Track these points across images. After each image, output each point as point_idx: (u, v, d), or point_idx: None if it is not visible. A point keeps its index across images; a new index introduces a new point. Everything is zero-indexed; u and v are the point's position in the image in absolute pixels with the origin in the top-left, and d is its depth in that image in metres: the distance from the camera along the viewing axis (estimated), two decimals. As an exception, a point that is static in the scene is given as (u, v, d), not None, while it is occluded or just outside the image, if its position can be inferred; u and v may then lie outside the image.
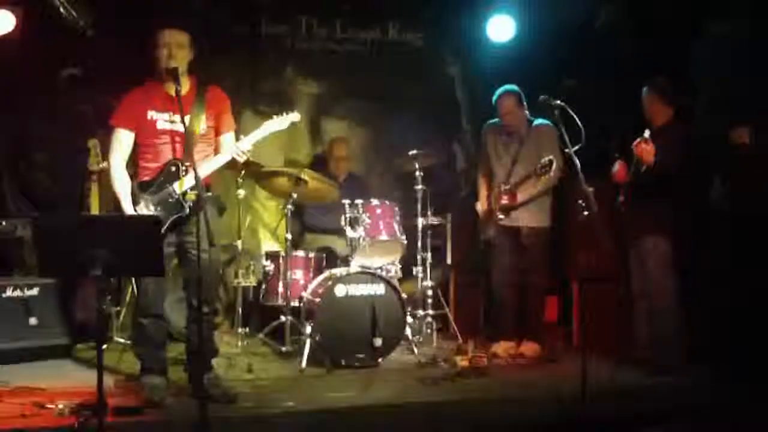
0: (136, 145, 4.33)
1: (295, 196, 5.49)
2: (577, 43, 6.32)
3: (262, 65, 6.78)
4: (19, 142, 6.14)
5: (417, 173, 5.82)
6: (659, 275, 4.99)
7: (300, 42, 6.80)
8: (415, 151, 5.81)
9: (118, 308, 5.68)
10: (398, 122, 6.91)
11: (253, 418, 4.06)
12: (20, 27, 5.63)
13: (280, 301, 5.65)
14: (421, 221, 5.84)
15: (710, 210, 5.33)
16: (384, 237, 5.47)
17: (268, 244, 6.61)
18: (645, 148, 4.86)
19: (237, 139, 4.40)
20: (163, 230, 4.07)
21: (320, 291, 5.21)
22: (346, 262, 5.54)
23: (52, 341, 5.25)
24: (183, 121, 4.07)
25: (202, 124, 4.30)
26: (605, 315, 5.43)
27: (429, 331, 5.90)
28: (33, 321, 5.20)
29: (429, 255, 6.01)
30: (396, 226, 5.55)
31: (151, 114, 4.27)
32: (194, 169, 3.94)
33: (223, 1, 6.44)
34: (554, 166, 5.08)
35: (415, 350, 5.37)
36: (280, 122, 4.47)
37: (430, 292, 5.98)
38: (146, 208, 4.21)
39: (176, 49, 4.21)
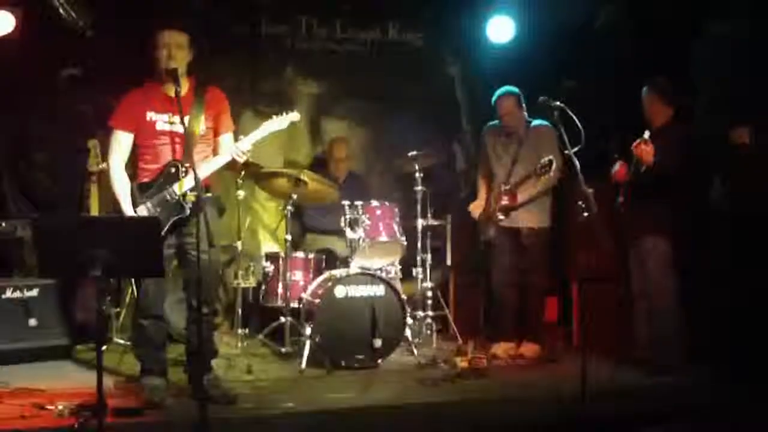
0: (135, 146, 4.32)
1: (294, 197, 5.49)
2: (576, 43, 6.31)
3: (262, 65, 6.77)
4: (19, 142, 6.14)
5: (417, 174, 5.82)
6: (659, 275, 4.99)
7: (300, 42, 6.80)
8: (415, 152, 5.81)
9: (118, 309, 5.68)
10: (398, 122, 6.91)
11: (253, 419, 4.06)
12: (20, 27, 5.63)
13: (280, 302, 5.64)
14: (420, 222, 5.83)
15: (710, 210, 5.33)
16: (384, 238, 5.47)
17: (268, 245, 6.60)
18: (644, 149, 4.86)
19: (236, 139, 4.40)
20: (163, 232, 4.07)
21: (320, 292, 5.21)
22: (345, 263, 5.54)
23: (52, 342, 5.24)
24: (183, 122, 4.07)
25: (201, 125, 4.30)
26: (605, 315, 5.43)
27: (429, 332, 5.90)
28: (33, 322, 5.20)
29: (429, 256, 6.01)
30: (396, 227, 5.55)
31: (150, 115, 4.27)
32: (194, 170, 3.94)
33: (223, 1, 6.44)
34: (554, 166, 5.08)
35: (415, 351, 5.37)
36: (279, 122, 4.46)
37: (429, 293, 5.98)
38: (146, 210, 4.21)
39: (176, 49, 4.21)
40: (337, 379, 4.93)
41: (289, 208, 5.50)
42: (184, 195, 4.20)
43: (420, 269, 5.93)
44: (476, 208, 5.80)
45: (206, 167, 4.27)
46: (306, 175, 5.45)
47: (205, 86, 4.40)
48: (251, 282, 5.98)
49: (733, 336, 4.97)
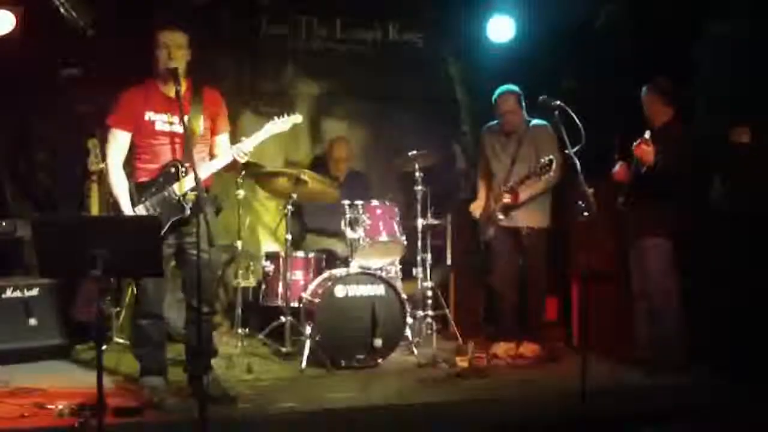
0: (132, 145, 4.31)
1: (294, 196, 5.49)
2: (577, 43, 6.31)
3: (262, 65, 6.77)
4: (20, 141, 6.14)
5: (417, 174, 5.82)
6: (659, 275, 4.99)
7: (300, 42, 6.80)
8: (415, 152, 5.80)
9: (118, 309, 5.68)
10: (398, 122, 6.92)
11: (253, 419, 4.06)
12: (20, 26, 5.63)
13: (280, 302, 5.64)
14: (421, 222, 5.83)
15: (710, 210, 5.33)
16: (384, 238, 5.47)
17: (268, 245, 6.61)
18: (645, 149, 4.86)
19: (235, 139, 4.40)
20: (162, 232, 4.07)
21: (320, 291, 5.21)
22: (346, 263, 5.54)
23: (52, 342, 5.24)
24: (183, 123, 4.06)
25: (200, 125, 4.30)
26: (605, 315, 5.43)
27: (429, 331, 5.89)
28: (33, 321, 5.20)
29: (429, 256, 6.01)
30: (396, 227, 5.55)
31: (150, 115, 4.26)
32: (194, 170, 3.94)
33: (223, 1, 6.44)
34: (554, 165, 5.08)
35: (415, 351, 5.37)
36: (281, 124, 4.46)
37: (429, 293, 5.97)
38: (144, 210, 4.20)
39: (175, 49, 4.21)
40: (338, 378, 4.93)
41: (289, 207, 5.50)
42: (184, 195, 4.19)
43: (420, 269, 5.92)
44: (476, 208, 5.80)
45: (207, 168, 4.27)
46: (306, 175, 5.45)
47: (201, 86, 4.39)
48: (251, 281, 5.99)
49: (733, 336, 4.97)
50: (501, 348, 5.53)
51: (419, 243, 5.86)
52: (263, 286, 5.90)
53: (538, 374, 5.09)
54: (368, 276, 5.27)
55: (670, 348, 4.93)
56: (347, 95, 6.96)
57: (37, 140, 6.15)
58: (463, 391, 4.68)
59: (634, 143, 4.92)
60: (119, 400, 4.16)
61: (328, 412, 4.18)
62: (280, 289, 5.67)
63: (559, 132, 4.48)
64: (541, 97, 4.59)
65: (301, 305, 5.43)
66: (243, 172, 5.53)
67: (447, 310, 6.22)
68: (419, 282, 5.93)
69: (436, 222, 6.01)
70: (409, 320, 5.38)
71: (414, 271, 5.94)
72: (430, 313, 5.95)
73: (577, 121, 4.36)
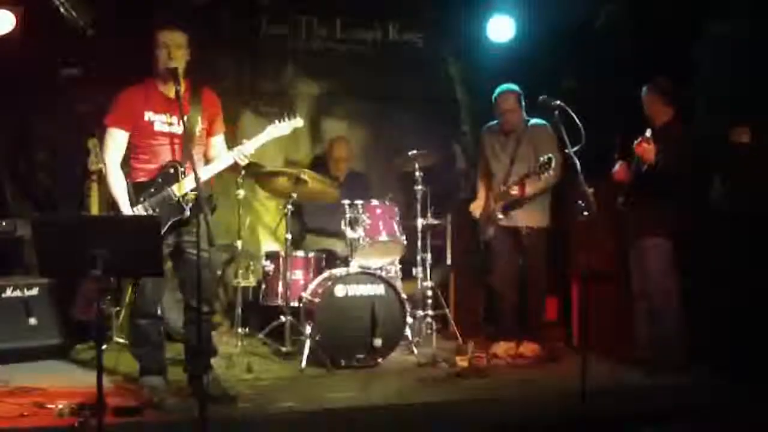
0: (130, 145, 4.30)
1: (294, 196, 5.49)
2: (577, 43, 6.31)
3: (262, 65, 6.78)
4: (20, 141, 6.14)
5: (417, 173, 5.82)
6: (659, 275, 4.99)
7: (300, 42, 6.80)
8: (415, 151, 5.80)
9: (118, 308, 5.67)
10: (398, 122, 6.92)
11: (253, 418, 4.06)
12: (20, 26, 5.63)
13: (280, 302, 5.65)
14: (420, 222, 5.83)
15: (710, 210, 5.33)
16: (384, 237, 5.47)
17: (268, 244, 6.61)
18: (646, 148, 4.86)
19: (237, 140, 4.40)
20: (162, 232, 4.06)
21: (320, 291, 5.21)
22: (346, 262, 5.54)
23: (52, 341, 5.24)
24: (183, 123, 4.06)
25: (198, 126, 4.30)
26: (605, 315, 5.43)
27: (429, 331, 5.89)
28: (33, 321, 5.20)
29: (429, 255, 6.01)
30: (396, 227, 5.56)
31: (149, 115, 4.25)
32: (194, 171, 3.94)
33: (223, 1, 6.44)
34: (553, 163, 5.07)
35: (415, 351, 5.37)
36: (283, 127, 4.50)
37: (429, 293, 5.97)
38: (143, 210, 4.20)
39: (175, 49, 4.20)
40: (337, 378, 4.93)
41: (289, 207, 5.50)
42: (183, 196, 4.19)
43: (420, 269, 5.92)
44: (476, 208, 5.80)
45: (208, 170, 4.27)
46: (306, 175, 5.45)
47: (200, 87, 4.39)
48: (251, 281, 5.98)
49: (733, 336, 4.97)
50: (501, 348, 5.53)
51: (419, 243, 5.86)
52: (263, 286, 5.90)
53: (538, 374, 5.09)
54: (368, 276, 5.27)
55: (670, 348, 4.93)
56: (347, 95, 6.96)
57: (37, 140, 6.15)
58: (463, 390, 4.68)
59: (635, 141, 4.92)
60: (119, 399, 4.16)
61: (328, 412, 4.18)
62: (280, 289, 5.67)
63: (559, 132, 4.47)
64: (541, 97, 4.59)
65: (301, 305, 5.43)
66: (243, 172, 5.52)
67: (447, 310, 6.22)
68: (419, 282, 5.94)
69: (436, 222, 6.02)
70: (409, 320, 5.38)
71: (414, 270, 5.94)
72: (430, 312, 5.95)
73: (577, 121, 4.36)
